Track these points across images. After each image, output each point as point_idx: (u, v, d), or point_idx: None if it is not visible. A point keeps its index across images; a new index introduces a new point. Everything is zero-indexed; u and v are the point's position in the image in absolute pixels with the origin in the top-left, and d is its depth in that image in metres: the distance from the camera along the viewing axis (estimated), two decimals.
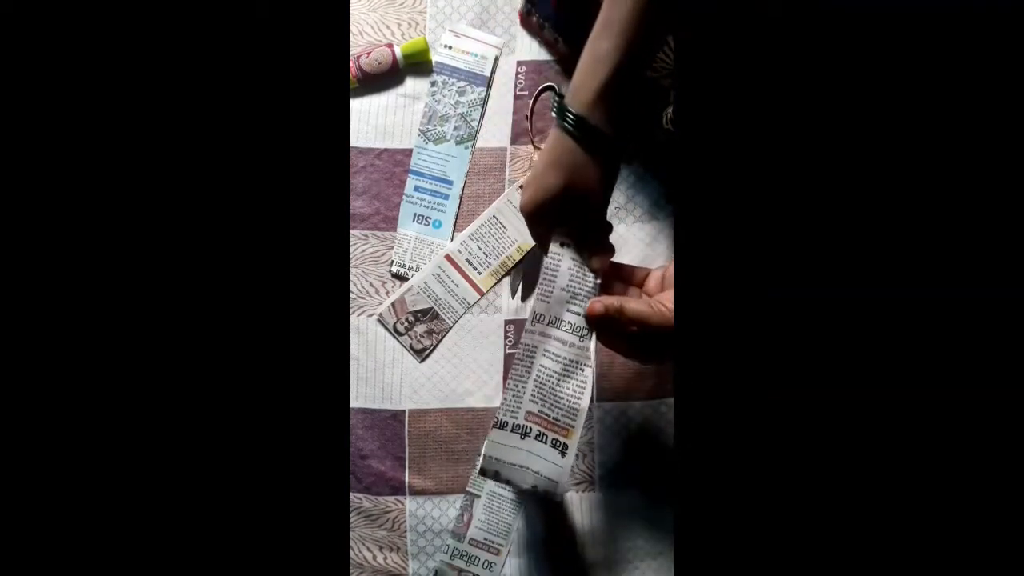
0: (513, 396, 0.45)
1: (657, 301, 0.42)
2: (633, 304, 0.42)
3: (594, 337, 0.45)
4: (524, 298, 0.64)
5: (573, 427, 0.44)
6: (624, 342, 0.43)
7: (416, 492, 0.62)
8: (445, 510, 0.62)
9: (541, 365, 0.45)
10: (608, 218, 0.64)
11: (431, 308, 0.64)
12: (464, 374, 0.64)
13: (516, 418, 0.45)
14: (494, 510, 0.61)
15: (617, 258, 0.64)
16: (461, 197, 0.65)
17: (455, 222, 0.65)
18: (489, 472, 0.45)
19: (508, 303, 0.64)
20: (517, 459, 0.44)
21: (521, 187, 0.43)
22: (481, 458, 0.46)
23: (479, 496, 0.62)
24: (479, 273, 0.64)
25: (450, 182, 0.65)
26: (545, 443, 0.44)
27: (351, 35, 0.67)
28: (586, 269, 0.46)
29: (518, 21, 0.67)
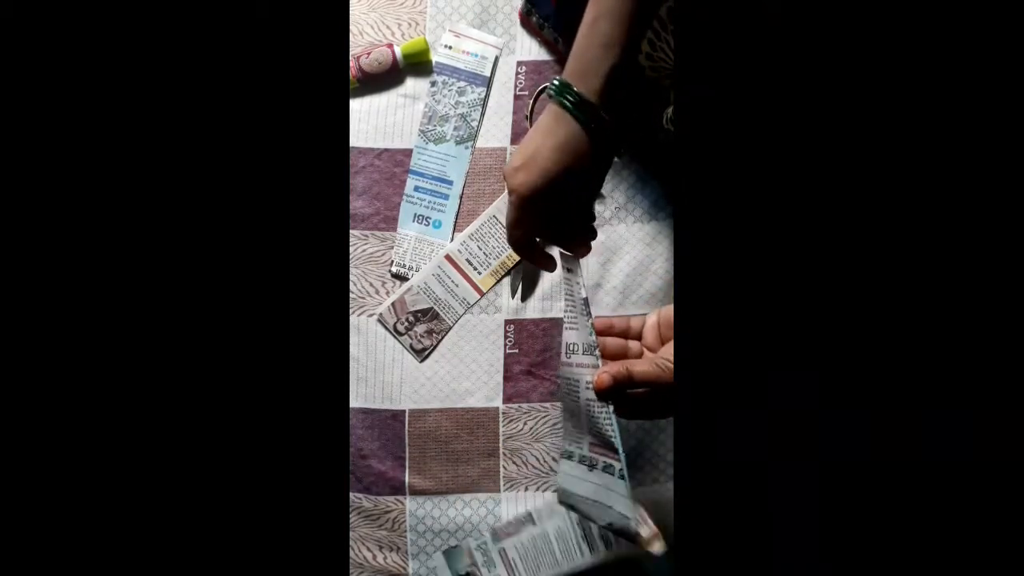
0: (573, 426, 0.44)
1: (662, 358, 0.41)
2: (641, 367, 0.40)
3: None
4: (524, 298, 0.64)
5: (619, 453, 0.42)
6: (634, 404, 0.42)
7: (416, 492, 0.62)
8: (445, 510, 0.62)
9: (588, 399, 0.42)
10: (608, 218, 0.65)
11: (431, 308, 0.64)
12: (464, 374, 0.64)
13: (582, 449, 0.44)
14: (540, 549, 0.61)
15: (617, 258, 0.65)
16: (461, 197, 0.65)
17: (455, 222, 0.65)
18: (566, 504, 0.45)
19: (508, 303, 0.64)
20: (587, 492, 0.43)
21: (515, 169, 0.41)
22: (557, 490, 0.46)
23: (536, 524, 0.61)
24: (479, 273, 0.64)
25: (450, 182, 0.65)
26: (613, 475, 0.42)
27: (351, 35, 0.67)
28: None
29: (518, 21, 0.67)
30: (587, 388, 0.42)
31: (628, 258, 0.64)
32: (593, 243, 0.63)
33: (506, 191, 0.43)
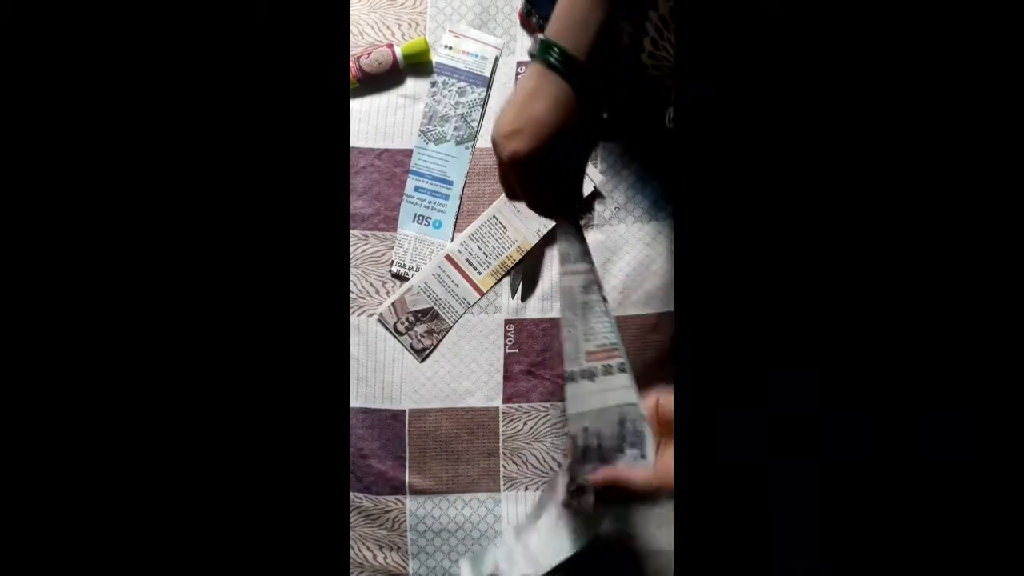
0: (571, 346, 0.46)
1: (659, 466, 0.43)
2: (637, 475, 0.43)
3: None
4: (524, 298, 0.64)
5: (618, 345, 0.45)
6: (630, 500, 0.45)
7: (416, 492, 0.62)
8: (445, 509, 0.62)
9: (583, 301, 0.45)
10: (608, 218, 0.65)
11: (431, 308, 0.64)
12: (464, 374, 0.64)
13: (581, 364, 0.45)
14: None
15: (617, 258, 0.65)
16: (461, 197, 0.65)
17: (455, 222, 0.65)
18: (577, 430, 0.45)
19: (508, 303, 0.65)
20: (595, 404, 0.45)
21: (507, 136, 0.40)
22: (568, 421, 0.47)
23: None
24: (479, 273, 0.64)
25: (450, 182, 0.65)
26: (612, 373, 0.45)
27: (351, 35, 0.67)
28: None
29: (518, 21, 0.67)
30: (582, 292, 0.45)
31: (628, 258, 0.64)
32: (593, 243, 0.63)
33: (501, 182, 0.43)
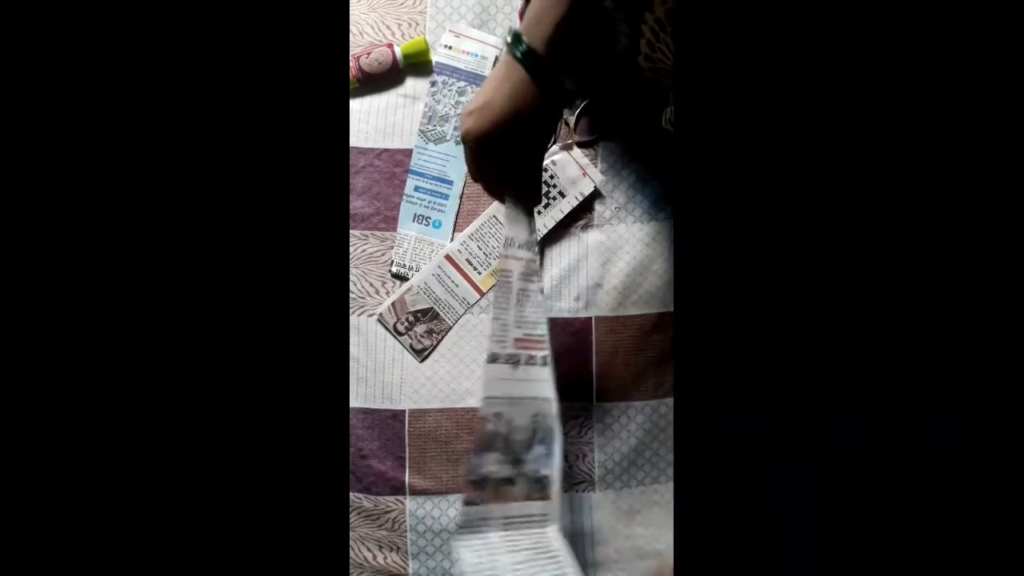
0: (502, 326, 0.46)
1: None
2: None
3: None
4: None
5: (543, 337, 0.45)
6: None
7: (416, 492, 0.62)
8: (445, 510, 0.62)
9: (519, 288, 0.46)
10: (608, 218, 0.65)
11: (431, 308, 0.64)
12: (464, 374, 0.64)
13: (506, 348, 0.46)
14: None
15: (617, 258, 0.65)
16: (461, 197, 0.65)
17: (455, 222, 0.65)
18: (488, 414, 0.45)
19: None
20: (512, 391, 0.45)
21: (467, 114, 0.43)
22: (481, 403, 0.46)
23: None
24: (479, 273, 0.64)
25: (450, 182, 0.65)
26: (535, 364, 0.45)
27: (351, 35, 0.67)
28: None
29: (518, 21, 0.67)
30: (520, 278, 0.46)
31: (628, 258, 0.64)
32: (593, 243, 0.63)
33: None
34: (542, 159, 0.47)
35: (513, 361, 0.45)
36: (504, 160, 0.44)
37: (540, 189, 0.47)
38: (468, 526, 0.45)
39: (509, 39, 0.42)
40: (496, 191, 0.47)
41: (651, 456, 0.63)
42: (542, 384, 0.45)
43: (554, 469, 0.44)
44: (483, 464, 0.45)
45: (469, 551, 0.44)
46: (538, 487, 0.44)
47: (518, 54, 0.41)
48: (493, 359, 0.46)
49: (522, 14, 0.65)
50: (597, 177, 0.65)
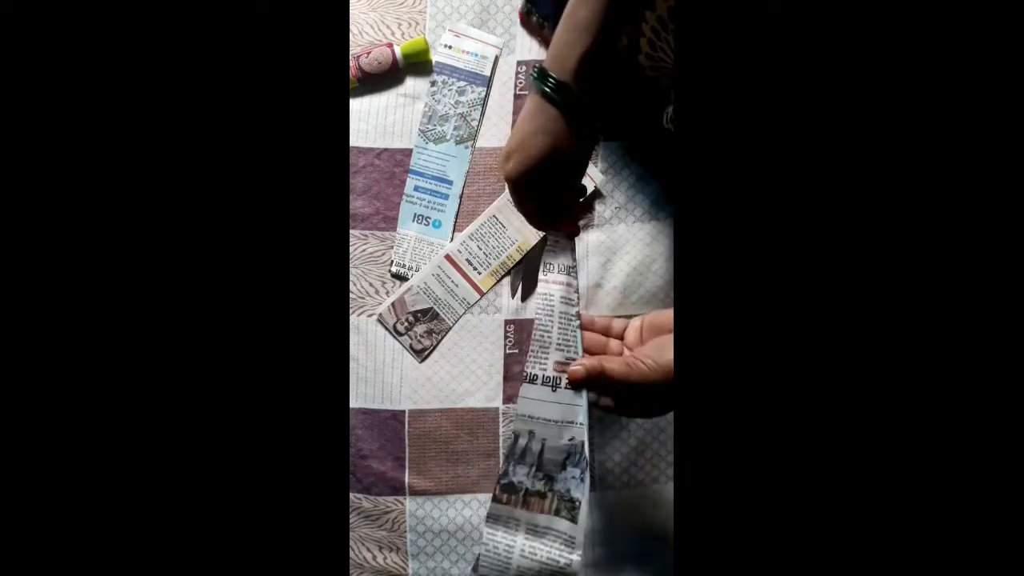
0: (540, 347, 0.47)
1: (634, 357, 0.44)
2: (612, 364, 0.44)
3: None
4: (524, 298, 0.64)
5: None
6: (611, 400, 0.46)
7: (416, 492, 0.62)
8: (445, 510, 0.62)
9: (561, 312, 0.47)
10: (608, 218, 0.65)
11: (431, 308, 0.64)
12: (464, 374, 0.64)
13: (546, 370, 0.47)
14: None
15: (617, 258, 0.65)
16: (461, 197, 0.65)
17: (455, 222, 0.65)
18: (522, 430, 0.46)
19: (508, 303, 0.64)
20: (549, 414, 0.46)
21: (505, 158, 0.45)
22: (515, 419, 0.48)
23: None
24: (479, 273, 0.64)
25: (450, 182, 0.65)
26: (573, 389, 0.46)
27: (351, 35, 0.67)
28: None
29: (518, 21, 0.67)
30: (561, 302, 0.47)
31: (628, 258, 0.64)
32: (593, 243, 0.63)
33: (506, 191, 0.44)
34: (578, 188, 0.49)
35: (552, 384, 0.47)
36: (545, 195, 0.45)
37: (576, 213, 0.49)
38: (496, 520, 0.47)
39: (535, 75, 0.42)
40: (540, 223, 0.49)
41: (651, 456, 0.63)
42: (578, 409, 0.46)
43: (584, 496, 0.45)
44: (515, 473, 0.47)
45: (494, 540, 0.47)
46: (568, 507, 0.46)
47: (547, 89, 0.41)
48: (532, 380, 0.47)
49: (523, 14, 0.66)
50: (597, 177, 0.65)
